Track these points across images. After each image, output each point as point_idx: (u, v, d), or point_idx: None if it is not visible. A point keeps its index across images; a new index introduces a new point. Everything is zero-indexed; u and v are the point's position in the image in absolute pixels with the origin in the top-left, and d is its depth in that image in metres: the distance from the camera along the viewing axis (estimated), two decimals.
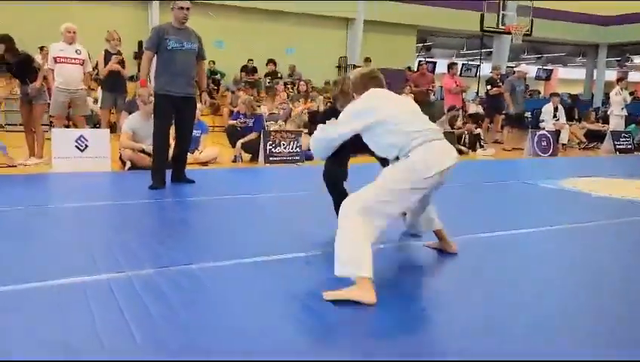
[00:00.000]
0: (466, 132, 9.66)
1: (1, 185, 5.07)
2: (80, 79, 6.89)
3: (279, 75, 14.30)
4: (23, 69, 6.41)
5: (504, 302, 2.43)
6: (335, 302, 2.26)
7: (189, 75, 5.14)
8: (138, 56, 12.77)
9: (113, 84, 7.37)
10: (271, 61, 14.09)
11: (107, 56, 7.34)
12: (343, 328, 2.13)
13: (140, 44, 13.84)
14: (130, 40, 13.22)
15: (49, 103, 6.77)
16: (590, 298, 2.55)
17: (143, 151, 6.17)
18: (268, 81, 13.85)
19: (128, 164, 6.17)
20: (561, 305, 2.42)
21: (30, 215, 3.87)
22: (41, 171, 5.95)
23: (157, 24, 13.86)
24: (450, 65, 11.73)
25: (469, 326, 2.13)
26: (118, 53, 7.33)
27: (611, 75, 23.53)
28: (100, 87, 7.99)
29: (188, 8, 5.01)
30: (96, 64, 8.43)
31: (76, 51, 6.83)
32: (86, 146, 6.31)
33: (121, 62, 7.33)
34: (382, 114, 2.58)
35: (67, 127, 7.50)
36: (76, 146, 6.26)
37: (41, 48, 10.96)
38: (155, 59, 5.09)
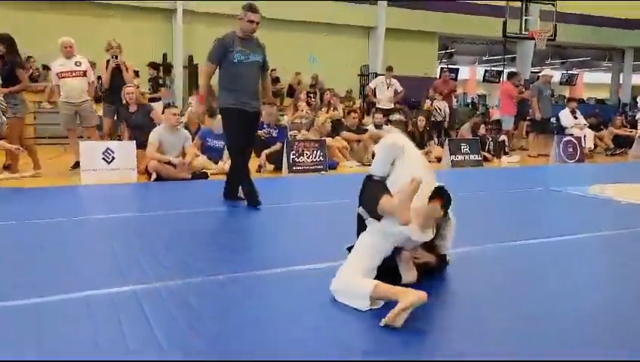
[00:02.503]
0: (489, 138, 9.57)
1: (32, 198, 5.19)
2: (83, 90, 6.92)
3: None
4: (9, 73, 6.30)
5: (527, 309, 2.39)
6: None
7: (255, 88, 4.81)
8: (164, 68, 12.87)
9: (113, 95, 7.37)
10: None
11: (108, 65, 7.38)
12: (366, 339, 2.12)
13: (165, 56, 14.09)
14: (155, 52, 13.47)
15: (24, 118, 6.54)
16: (623, 308, 2.49)
17: (169, 162, 6.26)
18: None
19: (154, 175, 6.26)
20: (591, 313, 2.38)
21: (59, 227, 3.95)
22: (70, 184, 6.07)
23: (181, 35, 14.13)
24: (512, 74, 12.10)
25: (490, 332, 2.11)
26: (115, 58, 7.27)
27: (638, 78, 23.07)
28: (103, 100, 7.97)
29: (258, 23, 4.66)
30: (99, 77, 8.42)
31: (76, 63, 6.89)
32: (113, 158, 6.42)
33: (118, 68, 7.28)
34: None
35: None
36: (103, 158, 6.38)
37: (45, 67, 11.17)
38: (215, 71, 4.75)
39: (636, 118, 12.45)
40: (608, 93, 24.12)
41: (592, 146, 10.76)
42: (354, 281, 2.42)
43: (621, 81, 22.13)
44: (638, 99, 12.26)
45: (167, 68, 13.34)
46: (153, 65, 11.61)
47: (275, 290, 2.64)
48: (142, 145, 6.48)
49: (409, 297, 2.16)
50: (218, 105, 4.91)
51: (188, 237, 3.72)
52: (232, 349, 1.97)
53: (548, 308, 2.44)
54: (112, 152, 6.44)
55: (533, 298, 2.59)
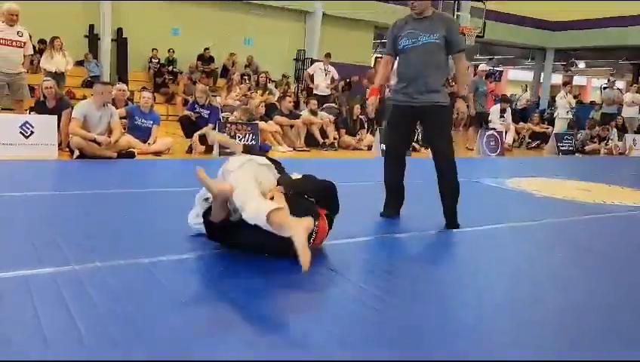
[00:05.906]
0: (418, 130, 9.84)
1: None
2: (19, 62, 6.60)
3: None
4: None
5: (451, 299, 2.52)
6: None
7: (427, 76, 3.84)
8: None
9: None
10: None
11: None
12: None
13: (92, 27, 13.37)
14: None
15: None
16: (539, 293, 2.68)
17: (94, 140, 5.99)
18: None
19: (77, 153, 5.98)
20: (504, 302, 2.54)
21: None
22: None
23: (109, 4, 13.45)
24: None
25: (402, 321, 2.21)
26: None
27: (557, 78, 24.45)
28: None
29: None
30: None
31: (17, 33, 6.54)
32: (31, 133, 6.09)
33: None
34: None
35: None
36: (21, 132, 6.03)
37: None
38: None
39: (554, 115, 13.26)
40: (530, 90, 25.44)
41: (511, 141, 11.37)
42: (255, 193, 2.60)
43: (541, 80, 23.40)
44: (556, 98, 12.99)
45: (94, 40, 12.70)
46: None
47: (195, 274, 2.63)
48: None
49: (299, 230, 2.36)
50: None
51: (111, 218, 3.60)
52: (153, 332, 1.95)
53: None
54: (31, 126, 6.11)
55: (448, 291, 2.73)
